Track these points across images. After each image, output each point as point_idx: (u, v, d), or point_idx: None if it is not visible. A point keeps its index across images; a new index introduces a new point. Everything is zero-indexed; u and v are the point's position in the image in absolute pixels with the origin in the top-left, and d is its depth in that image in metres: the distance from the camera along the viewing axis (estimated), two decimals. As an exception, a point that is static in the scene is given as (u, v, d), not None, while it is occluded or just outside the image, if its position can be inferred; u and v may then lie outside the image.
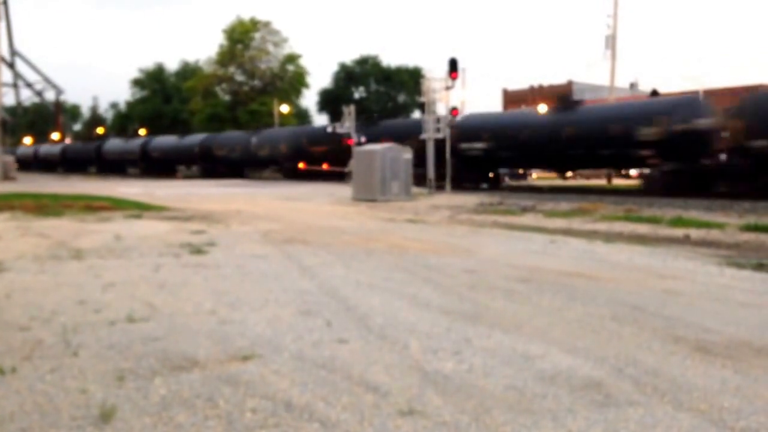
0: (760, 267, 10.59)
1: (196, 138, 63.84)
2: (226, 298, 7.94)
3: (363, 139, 36.40)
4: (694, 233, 15.07)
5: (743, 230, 15.21)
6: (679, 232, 15.38)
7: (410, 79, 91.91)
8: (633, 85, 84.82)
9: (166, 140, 68.41)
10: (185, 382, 5.06)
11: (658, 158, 28.78)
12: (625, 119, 29.99)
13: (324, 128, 49.58)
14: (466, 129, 36.00)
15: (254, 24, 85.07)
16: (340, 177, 40.49)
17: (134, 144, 71.67)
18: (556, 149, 32.83)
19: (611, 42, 51.51)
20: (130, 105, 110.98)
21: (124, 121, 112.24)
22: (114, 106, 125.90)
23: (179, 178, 60.29)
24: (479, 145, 35.52)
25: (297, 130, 57.53)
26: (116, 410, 4.47)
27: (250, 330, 6.54)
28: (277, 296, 8.10)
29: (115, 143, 76.88)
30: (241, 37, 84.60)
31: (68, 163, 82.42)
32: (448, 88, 30.56)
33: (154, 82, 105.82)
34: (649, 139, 28.29)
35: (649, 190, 29.26)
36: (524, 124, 35.06)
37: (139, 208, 21.25)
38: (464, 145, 35.35)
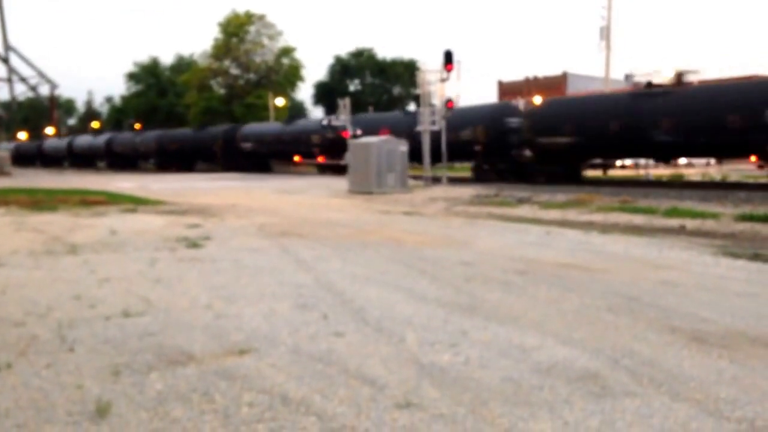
0: (755, 257, 10.60)
1: (218, 130, 58.37)
2: (221, 292, 7.93)
3: (359, 131, 36.32)
4: (690, 223, 15.08)
5: (738, 220, 15.21)
6: (674, 222, 15.39)
7: (405, 72, 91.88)
8: (628, 77, 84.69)
9: (183, 133, 64.42)
10: (181, 376, 5.05)
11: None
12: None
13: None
14: (545, 118, 32.16)
15: (249, 17, 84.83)
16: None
17: (148, 138, 66.80)
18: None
19: (606, 33, 51.51)
20: (125, 99, 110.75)
21: (120, 115, 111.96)
22: (109, 100, 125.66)
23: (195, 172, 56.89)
24: (563, 140, 31.04)
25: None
26: (112, 405, 4.47)
27: (246, 324, 6.54)
28: (273, 290, 8.09)
29: (125, 137, 72.95)
30: (236, 30, 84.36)
31: (76, 158, 78.52)
32: (443, 80, 30.46)
33: (149, 75, 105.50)
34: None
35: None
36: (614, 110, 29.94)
37: (134, 203, 21.23)
38: (544, 140, 31.77)
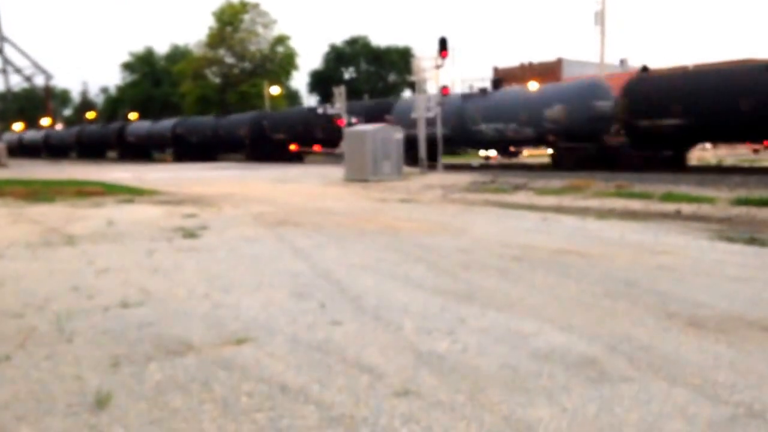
0: (751, 241, 10.62)
1: (245, 117, 53.57)
2: (219, 282, 7.94)
3: (354, 119, 36.26)
4: (686, 208, 15.10)
5: (734, 204, 15.24)
6: (670, 207, 15.41)
7: (400, 59, 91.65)
8: (623, 62, 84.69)
9: (205, 120, 59.38)
10: (180, 366, 5.06)
11: None
12: None
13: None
14: (646, 97, 27.83)
15: (243, 6, 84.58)
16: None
17: (164, 126, 62.29)
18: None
19: (601, 18, 51.41)
20: (121, 89, 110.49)
21: (115, 105, 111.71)
22: (104, 90, 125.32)
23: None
24: (671, 121, 26.76)
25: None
26: (111, 396, 4.47)
27: (243, 313, 6.55)
28: (271, 279, 8.10)
29: (142, 125, 67.36)
30: (230, 19, 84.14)
31: (85, 148, 74.41)
32: (438, 67, 30.42)
33: (144, 65, 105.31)
34: None
35: None
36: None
37: (130, 193, 21.21)
38: (644, 123, 27.62)
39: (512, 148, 36.62)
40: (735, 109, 24.74)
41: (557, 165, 30.77)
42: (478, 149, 39.81)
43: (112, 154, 73.38)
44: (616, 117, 29.22)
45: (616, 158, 29.03)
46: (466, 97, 35.08)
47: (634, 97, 28.35)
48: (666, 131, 27.12)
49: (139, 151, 66.59)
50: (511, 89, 37.36)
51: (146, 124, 66.48)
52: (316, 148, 46.96)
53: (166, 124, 62.52)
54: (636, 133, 28.47)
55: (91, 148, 73.59)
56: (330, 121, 40.99)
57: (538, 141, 33.07)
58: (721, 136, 29.52)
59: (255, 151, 51.17)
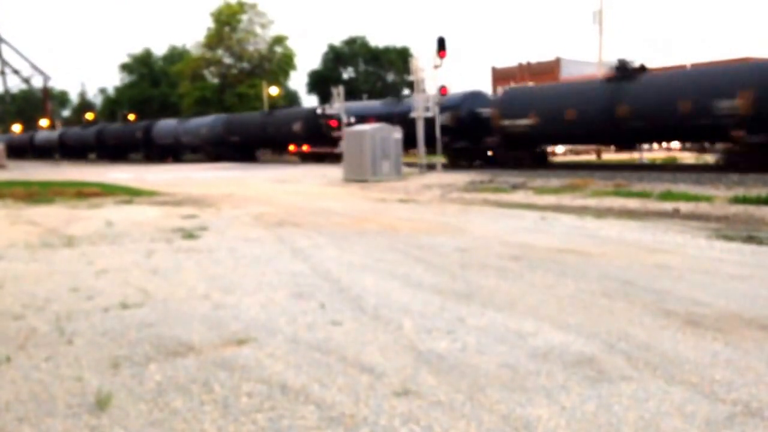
0: (749, 239, 10.65)
1: (299, 111, 48.48)
2: (219, 283, 7.96)
3: (352, 119, 36.24)
4: (684, 207, 15.12)
5: (732, 202, 15.27)
6: (668, 205, 15.43)
7: (398, 59, 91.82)
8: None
9: (250, 117, 54.39)
10: (180, 367, 5.08)
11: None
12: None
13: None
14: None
15: (241, 6, 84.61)
16: None
17: (198, 126, 56.91)
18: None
19: (599, 17, 51.41)
20: (119, 90, 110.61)
21: (113, 106, 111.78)
22: (103, 91, 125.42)
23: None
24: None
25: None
26: (112, 397, 4.49)
27: (243, 314, 6.57)
28: (270, 279, 8.11)
29: (166, 125, 61.60)
30: (228, 19, 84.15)
31: (105, 149, 69.53)
32: (436, 67, 30.41)
33: (142, 66, 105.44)
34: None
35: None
36: None
37: (129, 194, 21.22)
38: None
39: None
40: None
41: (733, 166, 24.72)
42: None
43: (136, 155, 67.89)
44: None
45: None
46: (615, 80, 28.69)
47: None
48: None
49: (166, 152, 61.34)
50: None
51: (174, 123, 60.50)
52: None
53: (201, 123, 56.69)
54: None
55: (112, 149, 68.18)
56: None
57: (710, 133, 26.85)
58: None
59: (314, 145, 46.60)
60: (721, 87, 24.77)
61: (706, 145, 33.41)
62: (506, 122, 31.35)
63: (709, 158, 32.30)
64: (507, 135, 31.59)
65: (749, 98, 23.71)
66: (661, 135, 30.23)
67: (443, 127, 31.69)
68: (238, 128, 52.63)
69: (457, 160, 34.95)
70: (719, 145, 29.08)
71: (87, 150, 74.01)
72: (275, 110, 53.20)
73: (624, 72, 28.22)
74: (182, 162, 57.15)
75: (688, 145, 39.45)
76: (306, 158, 47.87)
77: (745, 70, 26.00)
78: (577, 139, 33.81)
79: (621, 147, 35.19)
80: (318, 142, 44.93)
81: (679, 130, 27.28)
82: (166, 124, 61.60)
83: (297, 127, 45.99)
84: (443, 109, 32.06)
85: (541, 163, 32.35)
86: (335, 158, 39.42)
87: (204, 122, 56.40)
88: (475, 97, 35.52)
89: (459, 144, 34.51)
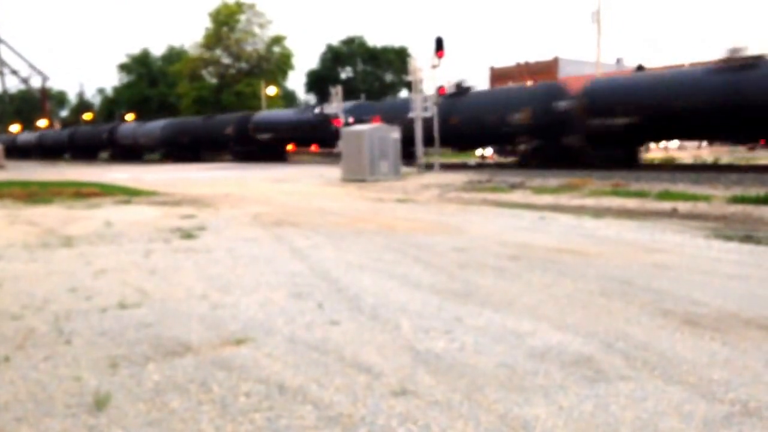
0: (747, 239, 10.66)
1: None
2: (217, 283, 7.96)
3: (351, 119, 36.27)
4: (682, 206, 15.12)
5: (730, 202, 15.28)
6: (666, 205, 15.44)
7: (397, 59, 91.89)
8: (619, 61, 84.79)
9: (193, 121, 59.95)
10: (178, 367, 5.08)
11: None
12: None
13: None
14: None
15: (239, 6, 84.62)
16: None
17: (157, 126, 62.06)
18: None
19: (597, 17, 51.46)
20: (117, 90, 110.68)
21: (112, 106, 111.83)
22: (101, 91, 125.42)
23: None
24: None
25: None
26: (110, 397, 4.50)
27: (242, 314, 6.57)
28: (269, 279, 8.12)
29: (128, 126, 67.70)
30: (226, 19, 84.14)
31: (76, 149, 74.44)
32: (434, 67, 30.45)
33: (140, 66, 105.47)
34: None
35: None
36: None
37: (127, 194, 21.21)
38: None
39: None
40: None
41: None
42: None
43: (104, 154, 72.98)
44: None
45: None
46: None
47: None
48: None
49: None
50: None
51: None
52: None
53: (226, 119, 56.96)
54: None
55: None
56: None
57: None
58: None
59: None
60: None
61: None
62: (596, 119, 28.61)
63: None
64: (596, 133, 28.96)
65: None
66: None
67: (516, 126, 31.27)
68: (185, 131, 58.77)
69: (528, 161, 32.39)
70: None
71: (62, 150, 78.07)
72: (213, 116, 59.54)
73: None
74: (144, 161, 62.62)
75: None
76: (238, 158, 53.28)
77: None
78: (689, 133, 31.42)
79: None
80: (246, 144, 52.22)
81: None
82: (127, 127, 68.70)
83: (229, 130, 53.17)
84: (514, 105, 31.66)
85: (633, 162, 29.79)
86: (259, 158, 48.96)
87: (158, 125, 62.52)
88: (552, 90, 32.84)
89: (532, 143, 32.30)
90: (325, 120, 40.77)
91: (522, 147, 32.93)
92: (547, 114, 30.82)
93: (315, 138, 46.64)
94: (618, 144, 28.85)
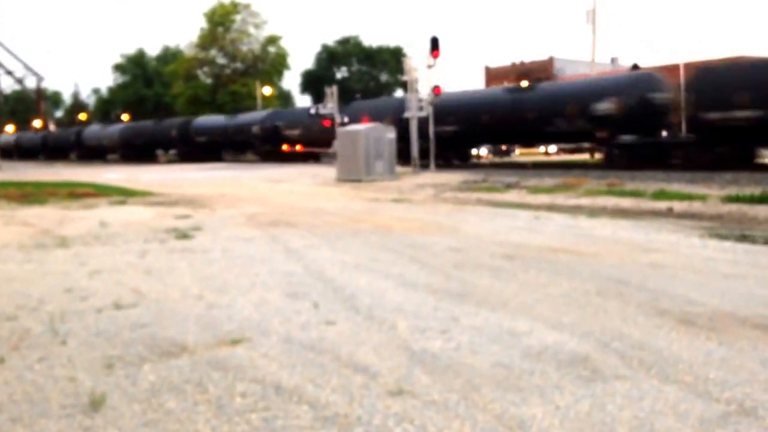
0: (742, 238, 10.68)
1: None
2: (212, 283, 7.94)
3: (346, 119, 36.27)
4: (677, 206, 15.15)
5: (725, 201, 15.31)
6: (662, 204, 15.46)
7: (392, 58, 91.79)
8: (614, 60, 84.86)
9: (143, 125, 66.94)
10: (174, 367, 5.07)
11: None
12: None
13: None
14: None
15: (234, 6, 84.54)
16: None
17: (116, 129, 68.31)
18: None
19: (592, 17, 51.50)
20: (112, 90, 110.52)
21: (107, 106, 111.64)
22: (96, 91, 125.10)
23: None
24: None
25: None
26: (106, 398, 4.48)
27: (237, 314, 6.56)
28: (264, 279, 8.10)
29: (93, 129, 74.79)
30: (221, 19, 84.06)
31: (48, 150, 79.04)
32: (429, 67, 30.44)
33: (135, 67, 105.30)
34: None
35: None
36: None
37: (123, 194, 21.18)
38: None
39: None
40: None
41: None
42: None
43: (72, 155, 77.22)
44: None
45: None
46: None
47: None
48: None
49: (92, 151, 71.30)
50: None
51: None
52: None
53: (171, 123, 63.58)
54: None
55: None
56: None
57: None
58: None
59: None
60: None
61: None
62: (708, 112, 25.01)
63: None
64: (706, 128, 25.54)
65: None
66: None
67: (602, 118, 28.47)
68: (139, 134, 64.86)
69: (616, 159, 29.09)
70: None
71: (37, 152, 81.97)
72: (162, 121, 66.09)
73: None
74: (107, 162, 67.61)
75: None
76: (181, 157, 60.15)
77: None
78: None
79: None
80: (187, 145, 58.72)
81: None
82: (92, 130, 75.34)
83: (174, 133, 59.59)
84: (602, 93, 28.92)
85: (747, 162, 25.61)
86: (199, 158, 54.33)
87: (117, 129, 69.39)
88: (647, 79, 29.64)
89: (624, 139, 28.96)
90: (244, 126, 50.76)
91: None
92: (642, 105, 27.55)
93: (239, 142, 54.34)
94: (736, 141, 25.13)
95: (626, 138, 28.41)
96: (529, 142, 40.55)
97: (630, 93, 28.23)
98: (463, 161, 36.86)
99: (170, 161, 63.34)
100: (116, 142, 67.27)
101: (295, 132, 47.08)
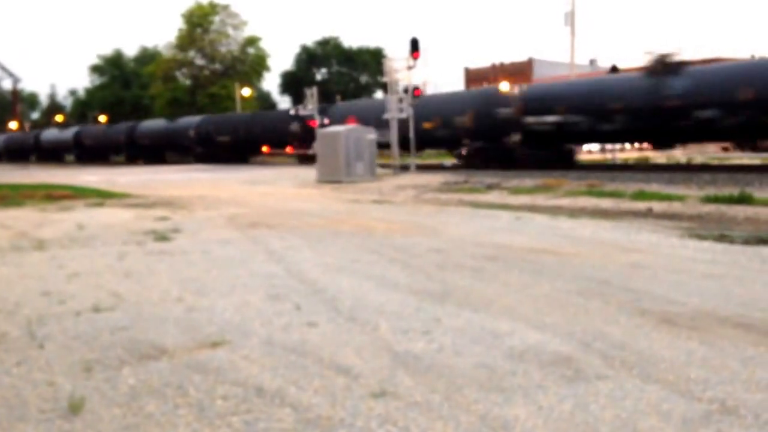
0: (721, 238, 10.74)
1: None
2: (192, 285, 7.89)
3: (326, 120, 36.22)
4: (657, 206, 15.22)
5: (704, 202, 15.40)
6: (641, 205, 15.53)
7: (372, 60, 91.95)
8: (593, 62, 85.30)
9: (96, 128, 72.97)
10: (154, 371, 5.02)
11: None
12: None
13: None
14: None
15: (213, 7, 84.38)
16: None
17: (71, 132, 73.67)
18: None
19: (571, 18, 51.68)
20: (90, 92, 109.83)
21: (84, 108, 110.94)
22: (73, 93, 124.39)
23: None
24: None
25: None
26: (85, 402, 4.43)
27: (218, 316, 6.51)
28: (245, 281, 8.06)
29: (51, 132, 79.23)
30: (200, 20, 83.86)
31: (10, 153, 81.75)
32: (410, 68, 30.45)
33: (113, 68, 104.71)
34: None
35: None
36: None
37: (100, 196, 21.03)
38: None
39: None
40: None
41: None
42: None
43: (32, 157, 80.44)
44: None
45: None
46: None
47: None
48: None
49: (50, 152, 75.66)
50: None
51: (55, 131, 78.02)
52: None
53: (119, 127, 67.99)
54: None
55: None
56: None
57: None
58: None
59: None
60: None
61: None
62: (527, 117, 30.08)
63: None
64: (528, 131, 30.32)
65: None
66: None
67: (460, 129, 31.67)
68: (90, 136, 68.87)
69: (471, 159, 33.11)
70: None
71: (113, 151, 78.79)
72: (113, 125, 70.31)
73: None
74: (64, 163, 72.07)
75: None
76: (128, 159, 63.62)
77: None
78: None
79: None
80: (133, 148, 61.88)
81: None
82: (50, 132, 78.89)
83: (121, 137, 62.66)
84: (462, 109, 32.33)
85: (567, 162, 31.09)
86: (145, 159, 58.82)
87: (71, 132, 73.40)
88: (494, 94, 33.12)
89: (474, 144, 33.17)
90: (182, 129, 54.88)
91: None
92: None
93: (178, 145, 56.96)
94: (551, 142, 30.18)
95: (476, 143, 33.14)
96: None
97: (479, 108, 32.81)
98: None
99: (117, 163, 66.01)
100: (71, 145, 71.27)
101: (226, 138, 51.60)
